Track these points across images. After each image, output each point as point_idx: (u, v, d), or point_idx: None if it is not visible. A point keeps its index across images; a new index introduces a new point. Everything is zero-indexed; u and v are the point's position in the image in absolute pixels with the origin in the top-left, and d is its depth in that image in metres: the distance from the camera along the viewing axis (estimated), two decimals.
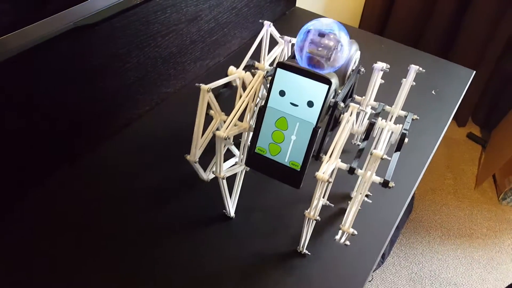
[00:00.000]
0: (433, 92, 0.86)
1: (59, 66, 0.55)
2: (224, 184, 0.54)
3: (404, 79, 0.58)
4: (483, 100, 1.75)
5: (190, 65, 0.81)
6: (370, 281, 1.30)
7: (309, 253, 0.56)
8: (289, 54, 0.61)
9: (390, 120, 0.55)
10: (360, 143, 0.62)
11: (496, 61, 1.58)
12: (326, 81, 0.45)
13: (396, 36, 1.63)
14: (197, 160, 0.52)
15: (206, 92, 0.49)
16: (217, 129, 0.51)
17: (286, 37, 0.60)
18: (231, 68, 0.55)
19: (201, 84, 0.49)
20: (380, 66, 0.59)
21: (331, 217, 0.61)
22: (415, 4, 1.58)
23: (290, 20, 1.05)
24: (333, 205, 0.58)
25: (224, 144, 0.51)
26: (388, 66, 0.59)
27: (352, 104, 0.49)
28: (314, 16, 1.08)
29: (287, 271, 0.55)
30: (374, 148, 0.47)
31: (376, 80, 0.60)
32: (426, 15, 1.59)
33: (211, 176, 0.56)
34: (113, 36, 0.61)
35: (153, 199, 0.61)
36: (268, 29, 0.58)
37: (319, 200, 0.52)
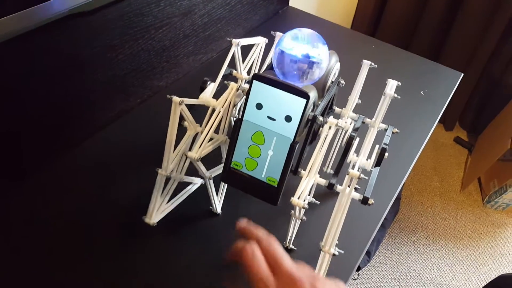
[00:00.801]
0: (421, 93, 0.88)
1: (51, 53, 0.55)
2: (211, 184, 0.54)
3: (384, 93, 0.58)
4: (470, 105, 1.79)
5: (183, 59, 0.82)
6: (355, 279, 1.31)
7: (295, 248, 0.57)
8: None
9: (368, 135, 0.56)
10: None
11: (484, 66, 1.61)
12: (304, 95, 0.43)
13: (388, 37, 1.66)
14: (169, 174, 0.50)
15: (178, 105, 0.47)
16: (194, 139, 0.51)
17: (278, 33, 0.61)
18: (202, 96, 0.53)
19: (172, 96, 0.47)
20: (367, 65, 0.60)
21: (318, 212, 0.62)
22: (407, 6, 1.60)
23: (283, 19, 1.06)
24: (318, 202, 0.59)
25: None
26: (375, 65, 0.60)
27: (330, 120, 0.48)
28: (306, 16, 1.10)
29: None
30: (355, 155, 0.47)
31: (361, 83, 0.61)
32: (417, 17, 1.62)
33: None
34: (107, 26, 0.61)
35: (137, 194, 0.61)
36: (237, 48, 0.55)
37: (294, 230, 0.53)
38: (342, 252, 0.48)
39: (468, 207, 1.60)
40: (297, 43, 0.46)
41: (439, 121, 1.91)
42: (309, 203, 0.60)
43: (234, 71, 0.57)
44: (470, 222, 1.55)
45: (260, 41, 0.61)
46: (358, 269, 1.29)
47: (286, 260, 0.33)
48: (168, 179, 0.53)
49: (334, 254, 0.46)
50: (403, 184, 0.71)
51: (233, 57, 0.55)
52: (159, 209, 0.53)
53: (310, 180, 0.46)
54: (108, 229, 0.56)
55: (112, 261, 0.53)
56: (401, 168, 0.71)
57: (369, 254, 1.30)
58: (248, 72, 0.60)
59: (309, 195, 0.59)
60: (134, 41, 0.67)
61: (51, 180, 0.62)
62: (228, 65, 0.55)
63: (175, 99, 0.47)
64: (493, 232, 1.53)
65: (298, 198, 0.45)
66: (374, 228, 0.62)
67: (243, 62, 0.58)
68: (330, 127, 0.47)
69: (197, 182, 0.58)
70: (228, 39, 0.54)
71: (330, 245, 0.46)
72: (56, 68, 0.57)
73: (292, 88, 0.43)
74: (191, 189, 0.59)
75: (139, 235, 0.56)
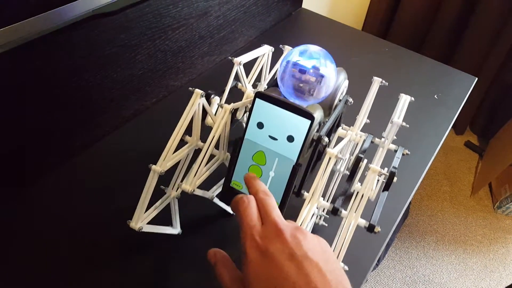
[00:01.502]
0: (435, 96, 0.88)
1: (74, 53, 0.56)
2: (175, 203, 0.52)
3: (394, 114, 0.55)
4: (482, 109, 1.78)
5: (198, 60, 0.82)
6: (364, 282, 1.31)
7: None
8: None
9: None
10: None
11: (497, 70, 1.60)
12: (308, 116, 0.41)
13: (399, 39, 1.65)
14: (163, 173, 0.46)
15: (199, 97, 0.47)
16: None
17: (287, 47, 0.60)
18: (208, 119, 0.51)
19: (195, 89, 0.47)
20: (378, 82, 0.57)
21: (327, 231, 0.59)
22: (419, 8, 1.60)
23: (295, 20, 1.07)
24: (326, 224, 0.57)
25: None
26: (387, 83, 0.57)
27: (329, 151, 0.44)
28: (318, 18, 1.10)
29: None
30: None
31: (370, 101, 0.57)
32: (430, 20, 1.61)
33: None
34: (127, 26, 0.62)
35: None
36: (240, 66, 0.54)
37: None
38: (347, 269, 0.45)
39: (479, 212, 1.59)
40: (305, 57, 0.45)
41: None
42: (315, 225, 0.58)
43: (240, 84, 0.56)
44: (481, 228, 1.54)
45: (265, 51, 0.59)
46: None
47: (275, 212, 0.35)
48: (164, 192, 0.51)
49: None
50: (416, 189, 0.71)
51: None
52: (147, 212, 0.49)
53: (312, 205, 0.44)
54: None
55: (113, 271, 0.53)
56: (415, 173, 0.71)
57: (378, 258, 1.29)
58: (254, 85, 0.58)
59: (318, 217, 0.57)
60: (152, 42, 0.68)
61: (67, 178, 0.63)
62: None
63: (197, 91, 0.47)
64: (504, 238, 1.52)
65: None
66: (387, 234, 0.61)
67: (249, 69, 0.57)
68: (330, 158, 0.44)
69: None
70: (229, 58, 0.52)
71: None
72: (76, 68, 0.58)
73: (296, 108, 0.41)
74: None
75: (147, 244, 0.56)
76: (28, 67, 0.51)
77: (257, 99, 0.42)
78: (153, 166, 0.45)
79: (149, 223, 0.48)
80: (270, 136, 0.43)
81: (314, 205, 0.44)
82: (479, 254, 1.46)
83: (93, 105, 0.65)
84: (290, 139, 0.42)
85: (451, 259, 1.43)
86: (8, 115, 0.53)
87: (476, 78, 0.95)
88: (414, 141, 0.76)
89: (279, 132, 0.42)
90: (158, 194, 0.49)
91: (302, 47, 0.46)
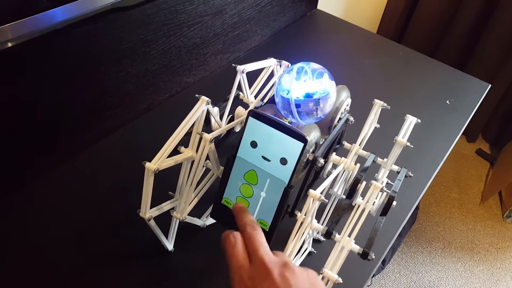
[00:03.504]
0: (447, 102, 0.87)
1: (92, 45, 0.58)
2: (153, 225, 0.48)
3: (395, 140, 0.53)
4: (495, 117, 1.76)
5: (211, 57, 0.83)
6: (369, 286, 1.31)
7: (315, 251, 0.57)
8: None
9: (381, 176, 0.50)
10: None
11: (511, 78, 1.58)
12: (301, 138, 0.39)
13: (414, 44, 1.64)
14: (157, 171, 0.44)
15: (205, 104, 0.46)
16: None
17: (284, 62, 0.59)
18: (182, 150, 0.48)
19: (201, 96, 0.46)
20: (380, 105, 0.55)
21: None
22: (436, 13, 1.58)
23: (310, 21, 1.07)
24: (324, 239, 0.56)
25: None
26: (389, 107, 0.56)
27: (311, 192, 0.41)
28: (333, 19, 1.10)
29: None
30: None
31: (370, 124, 0.56)
32: (445, 25, 1.60)
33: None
34: (143, 21, 0.63)
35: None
36: (243, 75, 0.53)
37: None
38: (341, 281, 0.43)
39: (487, 220, 1.58)
40: (299, 82, 0.44)
41: (462, 133, 1.88)
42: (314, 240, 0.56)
43: (241, 94, 0.55)
44: (489, 236, 1.52)
45: (270, 64, 0.58)
46: (372, 276, 1.28)
47: (262, 248, 0.34)
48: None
49: (337, 281, 0.42)
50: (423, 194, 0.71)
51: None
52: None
53: (304, 227, 0.42)
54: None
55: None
56: (423, 177, 0.71)
57: (383, 262, 1.29)
58: (256, 96, 0.58)
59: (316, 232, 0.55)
60: (167, 38, 0.69)
61: (85, 165, 0.65)
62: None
63: (203, 98, 0.46)
64: None
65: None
66: (391, 238, 0.61)
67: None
68: (312, 200, 0.42)
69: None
70: (233, 65, 0.52)
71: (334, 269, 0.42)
72: (93, 61, 0.60)
73: (289, 129, 0.40)
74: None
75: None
76: (48, 57, 0.53)
77: (250, 117, 0.41)
78: (147, 164, 0.43)
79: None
80: (263, 157, 0.42)
81: (306, 228, 0.43)
82: (486, 262, 1.44)
83: (107, 98, 0.66)
84: (283, 161, 0.41)
85: (457, 266, 1.42)
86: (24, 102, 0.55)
87: (490, 85, 0.95)
88: (423, 147, 0.75)
89: (272, 153, 0.41)
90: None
91: (297, 67, 0.44)
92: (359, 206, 0.44)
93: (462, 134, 1.81)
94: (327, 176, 0.58)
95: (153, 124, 0.73)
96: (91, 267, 0.53)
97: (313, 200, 0.41)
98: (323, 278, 0.41)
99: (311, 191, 0.42)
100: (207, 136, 0.45)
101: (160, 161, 0.44)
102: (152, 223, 0.47)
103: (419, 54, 1.01)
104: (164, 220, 0.50)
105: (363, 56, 0.99)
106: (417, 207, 1.48)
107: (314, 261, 0.55)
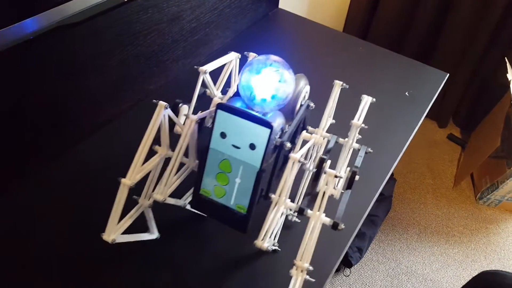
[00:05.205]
0: (406, 93, 0.90)
1: (43, 63, 0.58)
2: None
3: (351, 123, 0.56)
4: (463, 102, 1.81)
5: (172, 63, 0.84)
6: (348, 276, 1.33)
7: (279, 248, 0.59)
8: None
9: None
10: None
11: (475, 65, 1.63)
12: (267, 124, 0.43)
13: (380, 39, 1.68)
14: (133, 185, 0.47)
15: (163, 109, 0.47)
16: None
17: (251, 54, 0.61)
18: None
19: (159, 101, 0.48)
20: (339, 85, 0.59)
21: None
22: (398, 8, 1.62)
23: (272, 21, 1.08)
24: (299, 220, 0.59)
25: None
26: (347, 86, 0.59)
27: (291, 156, 0.45)
28: (296, 18, 1.11)
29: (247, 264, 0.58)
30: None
31: (332, 104, 0.59)
32: (409, 19, 1.64)
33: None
34: (96, 34, 0.63)
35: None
36: (206, 75, 0.55)
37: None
38: (312, 269, 0.45)
39: (461, 203, 1.62)
40: (258, 76, 0.46)
41: (433, 119, 1.94)
42: (290, 221, 0.61)
43: (208, 91, 0.58)
44: (463, 219, 1.57)
45: (231, 58, 0.60)
46: (350, 265, 1.31)
47: None
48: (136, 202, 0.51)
49: (308, 269, 0.44)
50: (387, 181, 0.73)
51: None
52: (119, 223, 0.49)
53: (279, 207, 0.46)
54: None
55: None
56: (385, 165, 0.73)
57: (361, 251, 1.32)
58: (224, 91, 0.60)
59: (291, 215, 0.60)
60: (123, 48, 0.70)
61: (46, 182, 0.65)
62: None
63: (161, 103, 0.47)
64: (485, 229, 1.55)
65: (263, 238, 0.45)
66: (358, 222, 0.64)
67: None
68: (293, 163, 0.46)
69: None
70: (195, 67, 0.54)
71: (302, 267, 0.44)
72: (47, 76, 0.59)
73: (255, 117, 0.43)
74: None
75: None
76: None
77: (218, 110, 0.44)
78: (123, 180, 0.46)
79: (125, 231, 0.49)
80: (233, 145, 0.45)
81: (281, 206, 0.46)
82: (461, 244, 1.49)
83: (68, 112, 0.66)
84: (252, 147, 0.44)
85: (434, 250, 1.46)
86: None
87: (448, 74, 0.98)
88: (383, 138, 0.78)
89: (241, 141, 0.45)
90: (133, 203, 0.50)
91: (256, 61, 0.47)
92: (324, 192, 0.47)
93: (434, 120, 1.87)
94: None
95: (116, 135, 0.73)
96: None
97: (294, 162, 0.45)
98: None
99: (291, 154, 0.46)
100: (193, 117, 0.49)
101: (134, 173, 0.46)
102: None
103: (381, 48, 1.04)
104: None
105: (326, 53, 1.01)
106: (391, 195, 1.52)
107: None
